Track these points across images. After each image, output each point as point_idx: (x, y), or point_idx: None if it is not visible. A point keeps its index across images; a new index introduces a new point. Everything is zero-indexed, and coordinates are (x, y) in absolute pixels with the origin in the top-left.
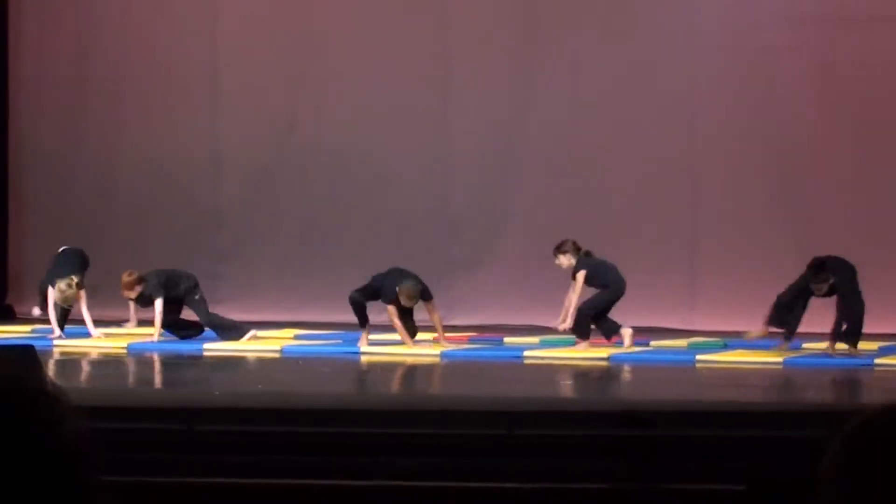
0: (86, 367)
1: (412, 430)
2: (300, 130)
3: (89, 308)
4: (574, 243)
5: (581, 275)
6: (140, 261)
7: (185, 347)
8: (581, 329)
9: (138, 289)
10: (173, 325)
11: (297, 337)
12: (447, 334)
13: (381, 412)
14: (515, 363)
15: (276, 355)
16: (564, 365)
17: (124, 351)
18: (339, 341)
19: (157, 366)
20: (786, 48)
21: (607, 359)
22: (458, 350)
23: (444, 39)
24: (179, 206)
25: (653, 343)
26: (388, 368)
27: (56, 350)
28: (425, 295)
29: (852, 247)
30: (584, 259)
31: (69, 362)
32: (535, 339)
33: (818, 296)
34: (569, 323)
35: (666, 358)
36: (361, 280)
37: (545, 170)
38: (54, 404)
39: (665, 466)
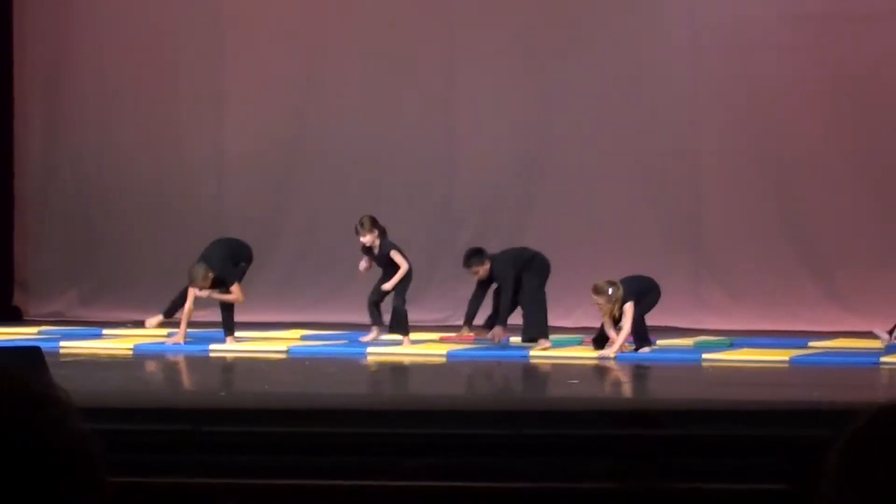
0: (92, 368)
1: (419, 430)
2: (307, 132)
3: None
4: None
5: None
6: (146, 264)
7: (191, 348)
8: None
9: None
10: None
11: (303, 338)
12: (452, 335)
13: (388, 412)
14: (522, 363)
15: (283, 356)
16: (571, 364)
17: (130, 352)
18: (346, 342)
19: (163, 367)
20: (790, 48)
21: (614, 358)
22: (465, 350)
23: (449, 44)
24: (185, 209)
25: (659, 342)
26: (394, 369)
27: (62, 351)
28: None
29: (855, 247)
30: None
31: (75, 364)
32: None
33: None
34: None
35: (672, 357)
36: (367, 281)
37: (551, 173)
38: (57, 405)
39: (672, 465)
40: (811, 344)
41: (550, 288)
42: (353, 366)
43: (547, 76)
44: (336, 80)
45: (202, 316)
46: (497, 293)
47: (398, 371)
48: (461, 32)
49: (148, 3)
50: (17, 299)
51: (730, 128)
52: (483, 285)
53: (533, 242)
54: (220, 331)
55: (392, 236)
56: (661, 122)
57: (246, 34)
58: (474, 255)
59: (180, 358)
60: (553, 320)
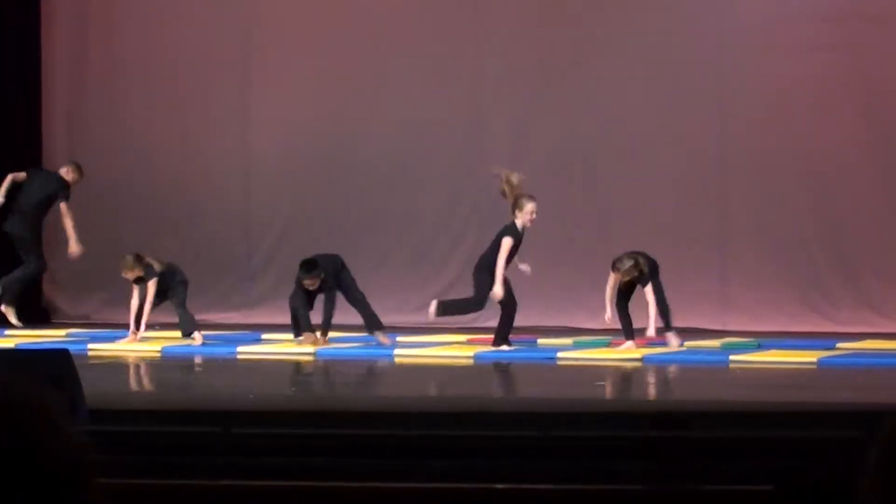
0: (120, 370)
1: (446, 432)
2: (335, 131)
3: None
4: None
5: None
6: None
7: (219, 351)
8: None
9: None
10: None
11: (329, 340)
12: (481, 336)
13: (415, 414)
14: (549, 364)
15: (310, 358)
16: (598, 366)
17: (158, 354)
18: (374, 343)
19: (191, 369)
20: (820, 47)
21: (641, 360)
22: (492, 352)
23: (477, 45)
24: (213, 210)
25: (686, 344)
26: (421, 370)
27: (91, 354)
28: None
29: (884, 248)
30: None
31: (104, 366)
32: (568, 341)
33: None
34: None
35: (699, 358)
36: (396, 282)
37: (577, 173)
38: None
39: (699, 468)
40: (839, 345)
41: (577, 288)
42: (380, 368)
43: (574, 77)
44: (365, 80)
45: (230, 318)
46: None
47: (425, 373)
48: (489, 36)
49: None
50: (46, 301)
51: (758, 128)
52: (310, 294)
53: (558, 243)
54: (247, 333)
55: (418, 239)
56: (688, 122)
57: (274, 31)
58: (314, 269)
59: (208, 360)
60: (579, 322)
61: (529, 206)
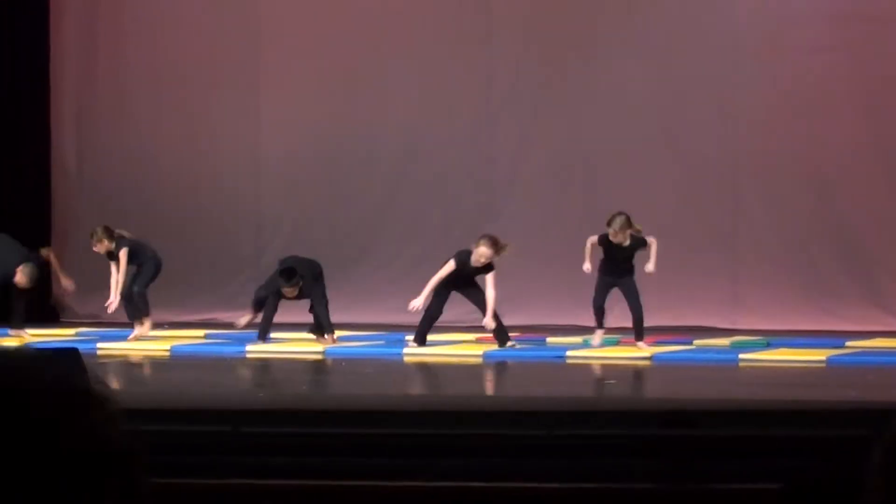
0: (129, 369)
1: (455, 430)
2: (343, 132)
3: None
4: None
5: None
6: (183, 265)
7: (228, 349)
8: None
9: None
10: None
11: (339, 339)
12: (490, 336)
13: (424, 413)
14: (558, 363)
15: (320, 357)
16: (607, 365)
17: (167, 353)
18: (382, 342)
19: (200, 368)
20: (826, 48)
21: (650, 358)
22: (501, 350)
23: (483, 47)
24: (222, 210)
25: (695, 342)
26: (430, 369)
27: (100, 353)
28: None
29: (893, 246)
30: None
31: (113, 365)
32: (578, 339)
33: None
34: None
35: (709, 357)
36: (404, 281)
37: (584, 174)
38: (102, 405)
39: (707, 466)
40: (848, 344)
41: (588, 287)
42: (390, 367)
43: (580, 79)
44: (372, 81)
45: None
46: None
47: (435, 372)
48: (500, 31)
49: (185, 1)
50: (55, 301)
51: (765, 129)
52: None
53: (568, 243)
54: (256, 332)
55: (429, 235)
56: (699, 121)
57: (282, 33)
58: (293, 277)
59: (217, 359)
60: (589, 320)
61: (481, 250)
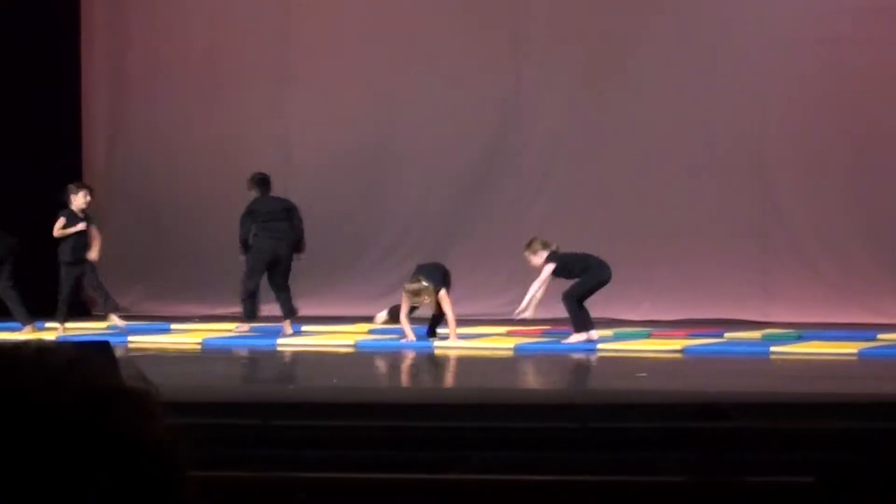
0: (160, 362)
1: (486, 423)
2: (373, 133)
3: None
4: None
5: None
6: (212, 259)
7: (259, 343)
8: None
9: None
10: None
11: (370, 332)
12: (521, 328)
13: (455, 406)
14: (590, 356)
15: (350, 350)
16: (638, 357)
17: (198, 346)
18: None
19: (231, 361)
20: (858, 40)
21: (681, 351)
22: (532, 343)
23: (516, 42)
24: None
25: (727, 335)
26: (461, 362)
27: (131, 346)
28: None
29: None
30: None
31: (144, 358)
32: (609, 332)
33: None
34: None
35: (740, 350)
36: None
37: (618, 167)
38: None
39: (739, 459)
40: (880, 336)
41: (618, 280)
42: (419, 360)
43: (613, 73)
44: (404, 76)
45: (270, 311)
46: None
47: (466, 365)
48: (530, 26)
49: (216, 3)
50: (86, 295)
51: (801, 120)
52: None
53: (600, 235)
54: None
55: (460, 231)
56: (731, 112)
57: (312, 30)
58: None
59: (248, 352)
60: (619, 313)
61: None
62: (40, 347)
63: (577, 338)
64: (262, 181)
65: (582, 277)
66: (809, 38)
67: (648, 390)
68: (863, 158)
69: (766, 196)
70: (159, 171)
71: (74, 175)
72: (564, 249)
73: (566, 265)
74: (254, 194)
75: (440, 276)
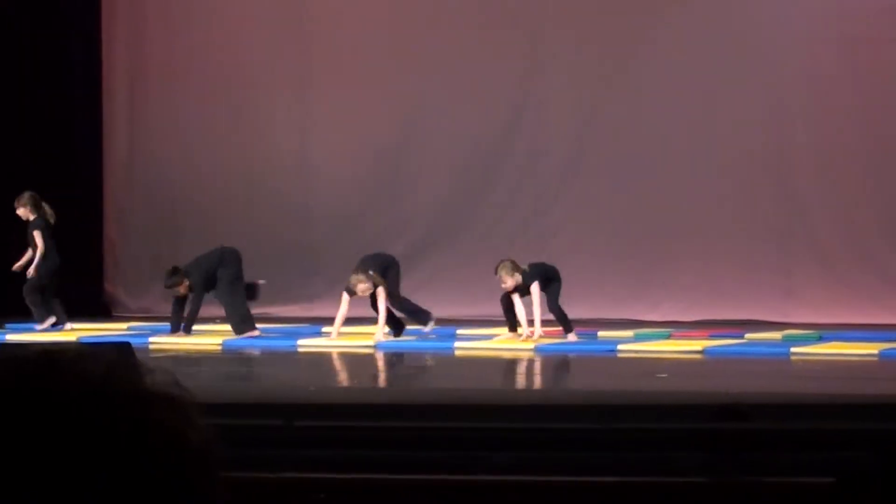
0: (181, 363)
1: (508, 424)
2: (392, 132)
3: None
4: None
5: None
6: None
7: (279, 344)
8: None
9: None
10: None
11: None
12: (545, 328)
13: (476, 407)
14: (610, 357)
15: (371, 351)
16: (659, 358)
17: (219, 347)
18: (434, 336)
19: (252, 362)
20: (880, 39)
21: (701, 352)
22: (553, 344)
23: (533, 43)
24: (271, 207)
25: (747, 336)
26: (482, 363)
27: (152, 347)
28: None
29: None
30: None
31: (165, 359)
32: (629, 333)
33: None
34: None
35: (760, 350)
36: (452, 277)
37: (638, 169)
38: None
39: (760, 460)
40: None
41: (639, 281)
42: (441, 360)
43: (638, 70)
44: (422, 77)
45: (290, 312)
46: None
47: (485, 365)
48: (550, 25)
49: (235, 5)
50: (107, 295)
51: (822, 120)
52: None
53: (620, 236)
54: (307, 326)
55: (480, 232)
56: (755, 114)
57: (332, 32)
58: (175, 274)
59: (269, 353)
60: (639, 314)
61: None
62: (80, 352)
63: (572, 337)
64: None
65: (552, 284)
66: (830, 37)
67: (668, 391)
68: (885, 159)
69: (787, 196)
70: (179, 173)
71: (95, 176)
72: (590, 247)
73: (543, 276)
74: None
75: (378, 268)
